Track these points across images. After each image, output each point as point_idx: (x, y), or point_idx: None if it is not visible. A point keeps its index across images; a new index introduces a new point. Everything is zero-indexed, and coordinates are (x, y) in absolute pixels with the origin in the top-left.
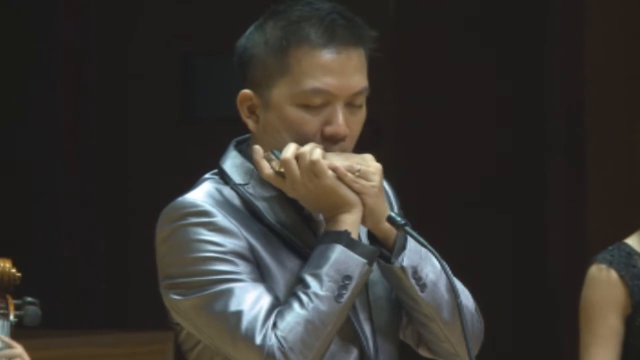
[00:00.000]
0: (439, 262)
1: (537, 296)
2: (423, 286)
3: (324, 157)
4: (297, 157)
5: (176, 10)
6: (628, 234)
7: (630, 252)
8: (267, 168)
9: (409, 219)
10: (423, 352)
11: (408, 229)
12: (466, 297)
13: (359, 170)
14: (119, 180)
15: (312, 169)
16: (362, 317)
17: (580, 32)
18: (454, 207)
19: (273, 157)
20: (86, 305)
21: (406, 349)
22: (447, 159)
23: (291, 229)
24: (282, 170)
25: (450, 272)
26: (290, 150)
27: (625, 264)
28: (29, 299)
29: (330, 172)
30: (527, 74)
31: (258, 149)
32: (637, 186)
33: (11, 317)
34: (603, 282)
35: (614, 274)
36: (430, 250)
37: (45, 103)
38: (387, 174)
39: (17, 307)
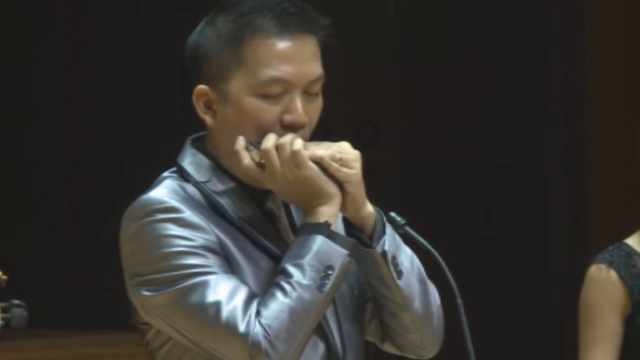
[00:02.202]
0: (438, 261)
1: (538, 296)
2: (400, 273)
3: (304, 148)
4: (277, 148)
5: (175, 10)
6: (628, 234)
7: (630, 252)
8: (246, 158)
9: (409, 218)
10: (387, 347)
11: (408, 228)
12: (434, 291)
13: (340, 159)
14: (118, 179)
15: (293, 160)
16: (328, 312)
17: (580, 32)
18: (454, 207)
19: (252, 147)
20: (85, 305)
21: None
22: (447, 159)
23: (253, 224)
24: (262, 161)
25: (448, 271)
26: (270, 140)
27: (625, 264)
28: (16, 301)
29: (310, 163)
30: (527, 73)
31: (241, 139)
32: (637, 186)
33: None
34: (603, 282)
35: (613, 274)
36: (429, 250)
37: (45, 103)
38: (387, 174)
39: (4, 310)
